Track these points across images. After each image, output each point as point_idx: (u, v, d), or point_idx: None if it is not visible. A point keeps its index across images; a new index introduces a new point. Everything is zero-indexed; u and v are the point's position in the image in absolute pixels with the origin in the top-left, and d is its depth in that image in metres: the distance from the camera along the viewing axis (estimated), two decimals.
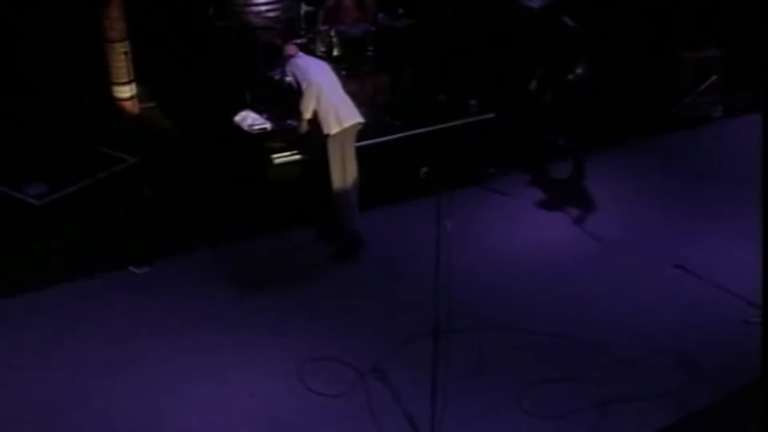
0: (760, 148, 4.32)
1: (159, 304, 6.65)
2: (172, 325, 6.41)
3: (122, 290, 6.85)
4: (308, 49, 8.34)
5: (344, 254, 7.16)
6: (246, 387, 5.80)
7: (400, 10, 8.76)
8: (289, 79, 7.40)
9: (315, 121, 7.12)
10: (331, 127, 7.03)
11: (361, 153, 7.32)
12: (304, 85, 7.10)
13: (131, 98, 8.77)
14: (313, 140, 7.25)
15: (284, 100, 8.28)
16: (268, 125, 8.24)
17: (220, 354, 6.10)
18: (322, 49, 8.43)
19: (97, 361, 6.02)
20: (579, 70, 7.57)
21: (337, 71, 7.77)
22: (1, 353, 6.11)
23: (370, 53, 8.32)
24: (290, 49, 7.49)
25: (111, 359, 6.04)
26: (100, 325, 6.41)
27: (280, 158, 7.84)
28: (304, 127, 7.26)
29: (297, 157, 7.88)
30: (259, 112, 8.42)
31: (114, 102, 8.70)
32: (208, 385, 5.81)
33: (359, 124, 7.20)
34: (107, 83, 8.64)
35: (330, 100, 7.08)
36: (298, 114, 7.20)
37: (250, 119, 8.32)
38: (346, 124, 7.07)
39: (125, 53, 8.44)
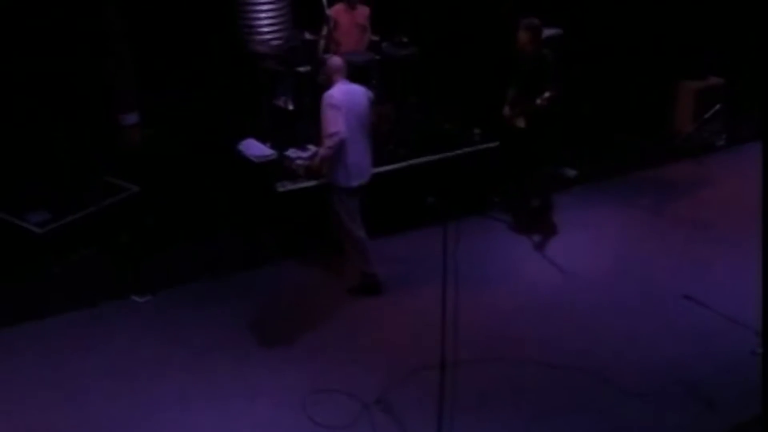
0: (761, 176, 4.32)
1: (161, 333, 6.62)
2: (175, 355, 6.36)
3: (124, 319, 6.81)
4: (311, 78, 8.35)
5: (361, 292, 7.09)
6: (249, 418, 5.74)
7: (404, 39, 8.77)
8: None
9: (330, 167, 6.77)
10: (340, 181, 6.73)
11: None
12: (330, 130, 6.50)
13: (136, 126, 8.78)
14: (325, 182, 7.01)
15: (288, 128, 8.30)
16: (272, 154, 8.23)
17: (224, 384, 6.05)
18: (324, 78, 8.42)
19: (100, 390, 5.98)
20: (546, 95, 7.58)
21: None
22: (4, 382, 6.07)
23: (374, 82, 8.31)
24: (335, 69, 6.67)
25: (113, 388, 5.99)
26: (103, 354, 6.37)
27: (284, 187, 7.80)
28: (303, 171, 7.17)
29: (302, 185, 7.84)
30: (262, 140, 8.41)
31: (118, 129, 8.70)
32: (211, 415, 5.75)
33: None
34: (113, 110, 8.65)
35: (353, 153, 6.65)
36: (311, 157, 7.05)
37: (253, 148, 8.31)
38: (356, 183, 6.77)
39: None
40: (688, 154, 9.67)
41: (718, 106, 9.72)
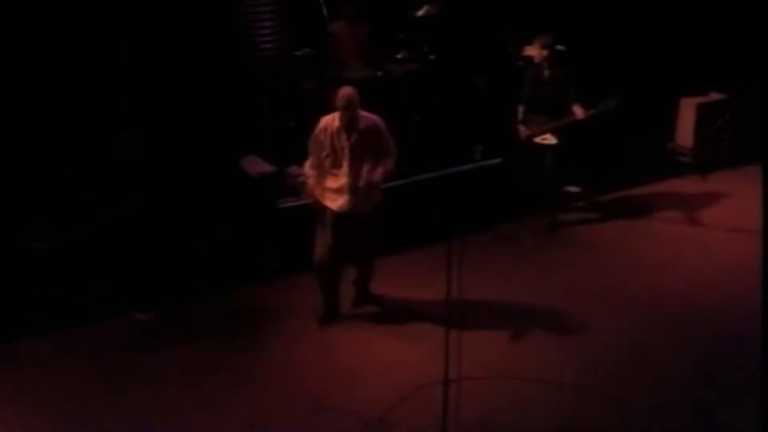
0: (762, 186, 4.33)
1: (162, 351, 6.58)
2: (176, 372, 6.32)
3: (125, 337, 6.77)
4: (313, 95, 8.36)
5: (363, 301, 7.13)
6: None
7: (406, 54, 8.79)
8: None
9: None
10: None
11: None
12: (395, 150, 6.59)
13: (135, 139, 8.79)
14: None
15: (290, 145, 8.30)
16: (273, 170, 8.22)
17: (226, 402, 6.00)
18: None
19: (99, 408, 5.93)
20: (584, 110, 7.74)
21: None
22: (2, 399, 6.02)
23: (376, 98, 8.30)
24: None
25: (112, 406, 5.94)
26: (103, 371, 6.33)
27: (285, 204, 7.80)
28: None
29: (303, 202, 7.82)
30: (264, 157, 8.41)
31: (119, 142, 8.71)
32: None
33: None
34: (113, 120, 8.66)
35: None
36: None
37: (255, 164, 8.31)
38: None
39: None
40: (690, 169, 9.66)
41: (720, 121, 9.72)
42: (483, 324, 6.70)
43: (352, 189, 6.48)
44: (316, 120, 6.61)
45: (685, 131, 9.84)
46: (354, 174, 6.46)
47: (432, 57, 9.01)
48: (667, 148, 10.00)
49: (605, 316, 7.00)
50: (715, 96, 9.90)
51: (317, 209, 6.66)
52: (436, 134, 9.06)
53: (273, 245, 7.83)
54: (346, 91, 6.36)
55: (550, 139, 8.00)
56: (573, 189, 8.88)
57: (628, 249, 8.08)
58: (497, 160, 8.65)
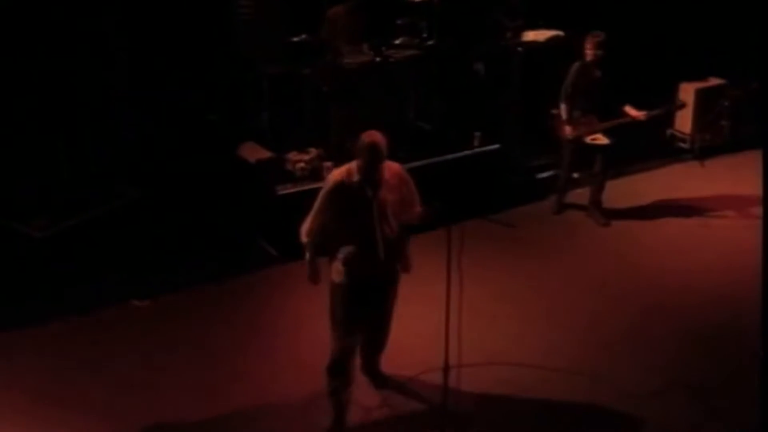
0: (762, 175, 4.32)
1: (161, 338, 6.57)
2: (175, 360, 6.32)
3: (124, 324, 6.76)
4: (310, 81, 8.35)
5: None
6: (252, 424, 5.69)
7: (405, 40, 8.75)
8: None
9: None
10: None
11: None
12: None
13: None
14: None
15: (289, 131, 8.29)
16: (272, 156, 8.21)
17: (224, 390, 6.00)
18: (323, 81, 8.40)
19: (99, 397, 5.93)
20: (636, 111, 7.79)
21: (341, 103, 7.76)
22: (1, 388, 6.01)
23: (372, 84, 8.29)
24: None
25: (112, 394, 5.95)
26: (102, 359, 6.32)
27: (284, 191, 7.78)
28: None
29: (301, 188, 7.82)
30: (262, 143, 8.39)
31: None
32: (212, 422, 5.70)
33: None
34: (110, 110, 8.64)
35: None
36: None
37: (253, 151, 8.29)
38: None
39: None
40: (689, 155, 9.66)
41: (720, 107, 9.70)
42: (483, 310, 6.70)
43: (383, 252, 5.28)
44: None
45: (684, 117, 9.82)
46: (382, 235, 5.25)
47: (430, 43, 8.97)
48: (666, 134, 9.99)
49: (604, 301, 7.01)
50: (714, 81, 9.88)
51: (334, 292, 5.48)
52: (434, 120, 9.04)
53: (271, 232, 7.82)
54: (372, 138, 5.11)
55: (602, 140, 7.95)
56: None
57: (627, 235, 8.09)
58: (496, 146, 8.66)
